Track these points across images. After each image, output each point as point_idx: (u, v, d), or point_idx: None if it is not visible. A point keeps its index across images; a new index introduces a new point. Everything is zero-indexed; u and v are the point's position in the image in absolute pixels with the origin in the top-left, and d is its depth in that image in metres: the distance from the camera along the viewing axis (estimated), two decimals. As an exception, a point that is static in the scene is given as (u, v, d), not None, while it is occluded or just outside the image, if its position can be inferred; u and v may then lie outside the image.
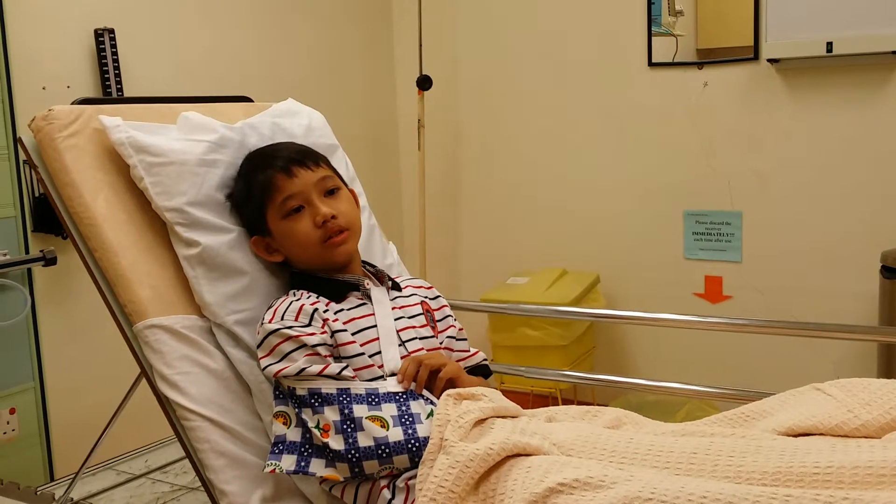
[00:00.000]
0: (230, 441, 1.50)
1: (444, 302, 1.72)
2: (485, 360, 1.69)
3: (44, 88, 2.55)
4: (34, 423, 2.48)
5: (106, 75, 2.68)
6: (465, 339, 1.70)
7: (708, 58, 3.19)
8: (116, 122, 1.60)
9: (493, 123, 3.62)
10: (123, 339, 1.55)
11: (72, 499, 1.81)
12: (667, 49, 3.24)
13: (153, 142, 1.59)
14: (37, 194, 2.48)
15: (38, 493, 1.86)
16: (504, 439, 1.35)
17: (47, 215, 2.46)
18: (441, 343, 1.61)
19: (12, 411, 2.42)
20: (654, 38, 3.24)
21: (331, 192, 1.59)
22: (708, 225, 3.24)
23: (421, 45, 3.38)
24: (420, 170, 3.46)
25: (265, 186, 1.56)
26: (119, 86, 2.71)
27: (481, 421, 1.42)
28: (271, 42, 3.27)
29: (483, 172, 3.68)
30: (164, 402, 1.51)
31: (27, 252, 2.44)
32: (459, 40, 3.65)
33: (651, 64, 3.26)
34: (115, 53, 2.70)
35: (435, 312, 1.66)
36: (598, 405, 2.58)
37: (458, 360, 1.64)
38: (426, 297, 1.68)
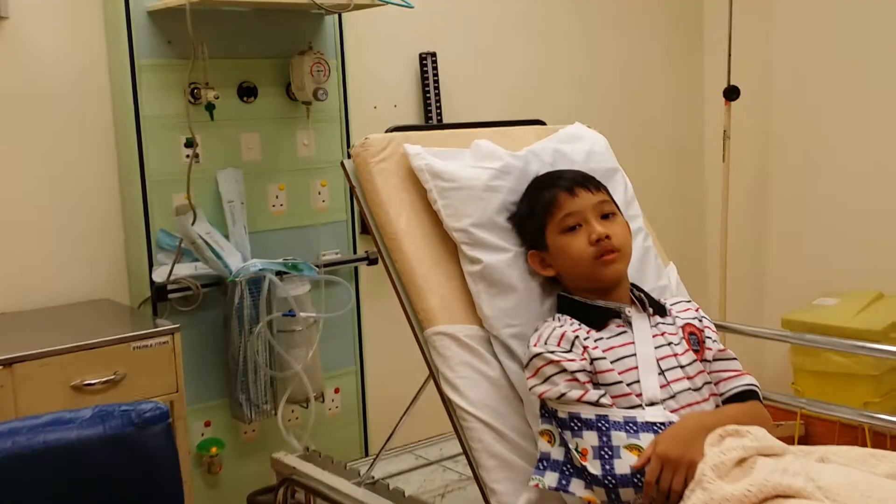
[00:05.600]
0: (501, 444, 1.63)
1: (709, 323, 1.71)
2: (751, 384, 1.64)
3: (375, 107, 2.85)
4: (354, 403, 2.82)
5: (427, 95, 2.96)
6: (732, 359, 1.67)
7: None
8: (417, 150, 1.80)
9: (806, 133, 3.41)
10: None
11: (373, 476, 2.05)
12: None
13: (446, 168, 1.78)
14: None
15: (347, 467, 2.13)
16: (763, 480, 1.34)
17: (369, 222, 2.79)
18: (705, 369, 1.62)
19: (336, 391, 2.78)
20: None
21: (606, 216, 1.67)
22: None
23: (730, 55, 3.28)
24: (724, 182, 3.37)
25: (549, 203, 1.68)
26: (439, 105, 2.97)
27: (744, 460, 1.42)
28: (580, 58, 3.36)
29: (793, 185, 3.48)
30: (445, 401, 1.69)
31: (354, 252, 2.78)
32: (773, 45, 3.48)
33: None
34: (436, 75, 2.97)
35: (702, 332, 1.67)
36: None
37: (720, 381, 1.64)
38: (692, 319, 1.69)
